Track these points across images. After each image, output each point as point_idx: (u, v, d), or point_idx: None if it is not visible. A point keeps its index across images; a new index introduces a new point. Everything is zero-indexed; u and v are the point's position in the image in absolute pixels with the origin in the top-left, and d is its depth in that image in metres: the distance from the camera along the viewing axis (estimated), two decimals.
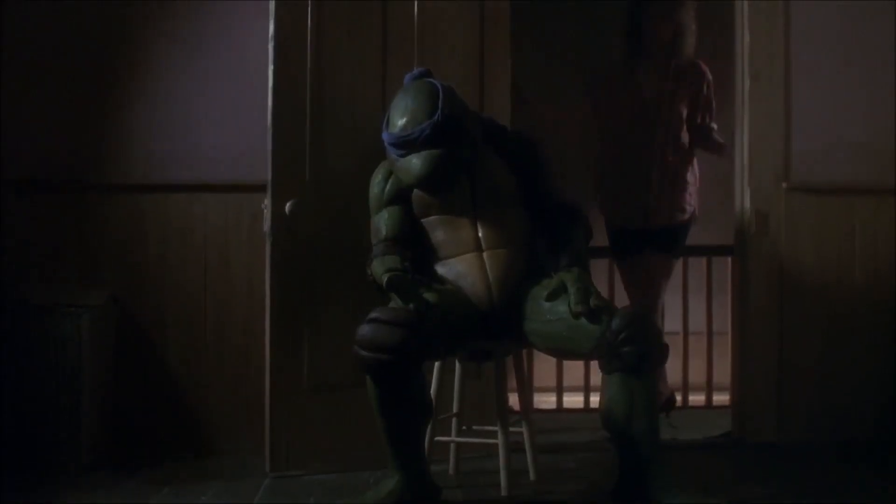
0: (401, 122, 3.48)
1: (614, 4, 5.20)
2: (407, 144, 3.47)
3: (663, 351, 3.32)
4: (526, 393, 3.92)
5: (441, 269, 3.57)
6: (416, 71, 3.68)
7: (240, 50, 4.34)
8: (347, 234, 3.91)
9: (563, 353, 3.54)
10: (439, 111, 3.44)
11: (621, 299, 4.90)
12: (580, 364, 4.92)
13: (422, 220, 3.63)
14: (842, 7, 4.56)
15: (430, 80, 3.58)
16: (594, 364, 3.42)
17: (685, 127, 4.78)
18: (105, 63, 4.37)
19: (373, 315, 3.21)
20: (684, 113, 4.76)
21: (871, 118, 4.53)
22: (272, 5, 3.89)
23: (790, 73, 4.53)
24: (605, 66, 5.08)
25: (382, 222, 3.62)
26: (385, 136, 3.55)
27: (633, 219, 4.77)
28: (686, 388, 5.44)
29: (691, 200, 4.82)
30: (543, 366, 5.26)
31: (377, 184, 3.67)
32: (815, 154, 4.52)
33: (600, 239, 4.41)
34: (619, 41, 4.89)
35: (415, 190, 3.59)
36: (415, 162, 3.46)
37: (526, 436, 3.81)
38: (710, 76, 4.82)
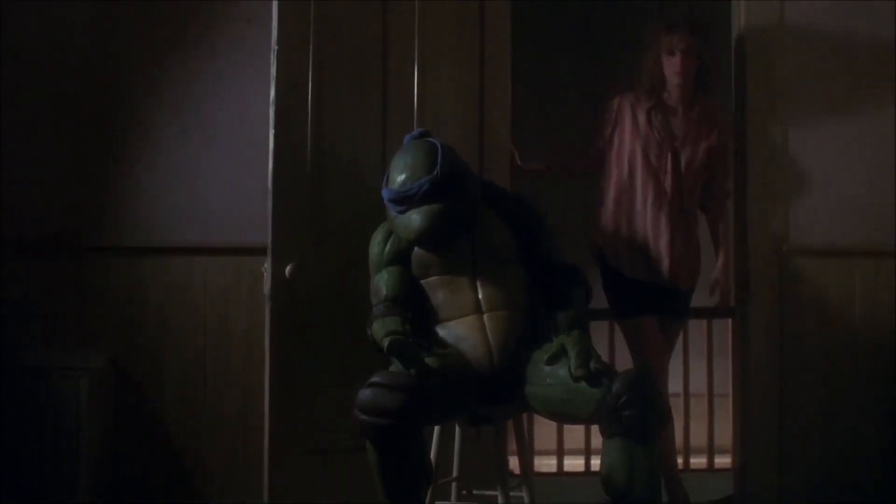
0: (400, 178, 3.50)
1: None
2: (406, 200, 3.48)
3: (665, 415, 3.30)
4: (526, 456, 3.88)
5: (441, 331, 3.56)
6: (415, 132, 3.70)
7: (240, 113, 4.37)
8: (347, 297, 3.91)
9: (563, 417, 3.51)
10: (438, 167, 3.46)
11: (622, 362, 4.88)
12: (581, 426, 4.89)
13: (421, 282, 3.63)
14: (842, 68, 4.60)
15: (430, 139, 3.61)
16: (595, 426, 3.40)
17: (700, 180, 4.52)
18: (105, 125, 4.39)
19: (373, 379, 3.20)
20: (698, 164, 4.48)
21: (871, 181, 4.55)
22: (273, 70, 3.92)
23: (788, 135, 4.56)
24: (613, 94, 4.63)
25: (382, 283, 3.61)
26: (385, 193, 3.57)
27: (651, 273, 4.46)
28: (687, 451, 5.40)
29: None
30: (544, 428, 5.22)
31: (377, 244, 3.67)
32: (814, 216, 4.53)
33: (600, 301, 4.40)
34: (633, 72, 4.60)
35: (415, 250, 3.59)
36: (414, 217, 3.47)
37: (527, 500, 3.77)
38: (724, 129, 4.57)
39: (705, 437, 5.45)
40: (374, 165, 4.01)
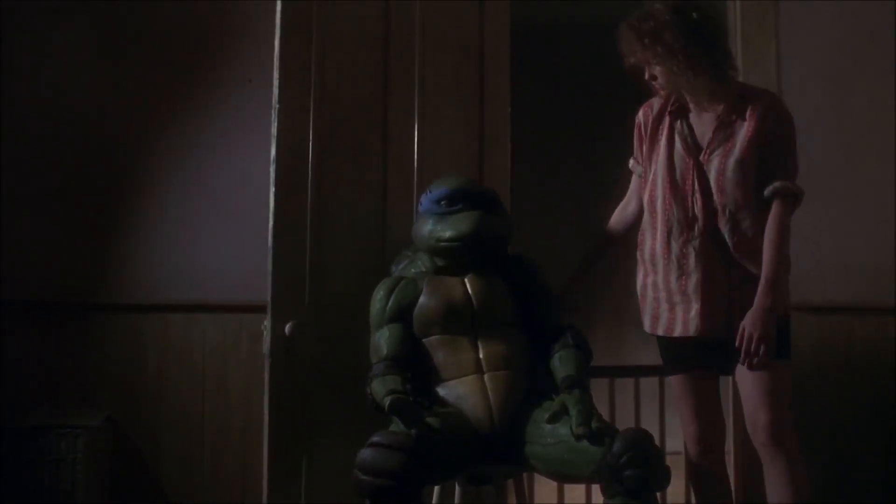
0: (447, 183, 3.69)
1: None
2: (457, 197, 3.63)
3: (665, 474, 3.29)
4: None
5: (442, 390, 3.55)
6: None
7: (241, 171, 4.40)
8: (347, 356, 3.89)
9: (564, 476, 3.49)
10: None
11: (623, 421, 4.86)
12: (582, 485, 4.86)
13: (423, 340, 3.62)
14: (843, 130, 4.63)
15: None
16: (596, 486, 3.39)
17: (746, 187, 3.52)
18: (105, 183, 4.42)
19: (374, 439, 3.18)
20: (736, 167, 3.52)
21: (871, 239, 4.57)
22: (274, 129, 3.94)
23: None
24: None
25: (383, 340, 3.61)
26: (427, 197, 3.71)
27: (673, 326, 3.66)
28: None
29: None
30: (544, 488, 5.17)
31: (379, 300, 3.67)
32: (814, 274, 4.54)
33: (600, 359, 4.39)
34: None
35: (416, 309, 3.60)
36: (461, 219, 3.59)
37: None
38: (781, 112, 3.57)
39: None
40: (374, 224, 4.02)
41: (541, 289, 3.73)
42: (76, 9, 4.46)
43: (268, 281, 3.92)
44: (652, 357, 4.68)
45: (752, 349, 3.45)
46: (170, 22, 4.49)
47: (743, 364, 3.49)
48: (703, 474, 3.74)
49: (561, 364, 3.55)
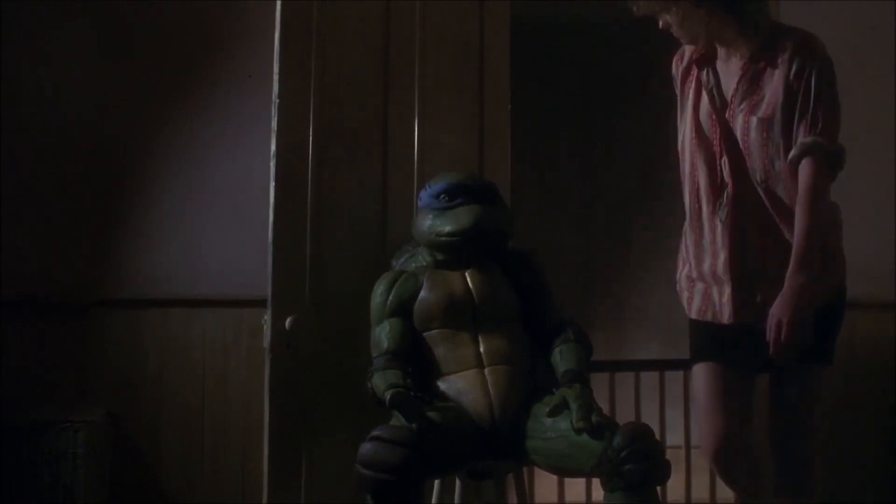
0: (448, 177, 3.69)
1: None
2: (458, 191, 3.62)
3: (666, 469, 3.29)
4: None
5: (442, 385, 3.55)
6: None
7: (242, 166, 4.39)
8: (348, 351, 3.90)
9: (564, 470, 3.50)
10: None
11: (623, 415, 4.86)
12: (581, 480, 4.86)
13: (423, 334, 3.62)
14: (844, 125, 4.63)
15: None
16: (596, 480, 3.39)
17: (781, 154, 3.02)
18: (104, 178, 4.41)
19: (374, 433, 3.19)
20: (765, 130, 3.03)
21: (871, 236, 4.57)
22: (274, 123, 3.94)
23: None
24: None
25: (384, 335, 3.60)
26: (427, 192, 3.70)
27: (705, 308, 3.29)
28: None
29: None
30: (544, 482, 5.18)
31: (379, 294, 3.67)
32: None
33: (600, 353, 4.39)
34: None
35: (417, 303, 3.60)
36: (462, 213, 3.58)
37: None
38: (815, 54, 3.00)
39: (707, 490, 5.40)
40: (374, 219, 4.02)
41: (541, 283, 3.73)
42: (77, 9, 4.46)
43: (268, 275, 3.92)
44: (652, 352, 4.70)
45: (783, 339, 2.94)
46: (169, 19, 4.48)
47: (773, 358, 3.01)
48: (725, 459, 3.37)
49: (561, 358, 3.55)
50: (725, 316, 3.17)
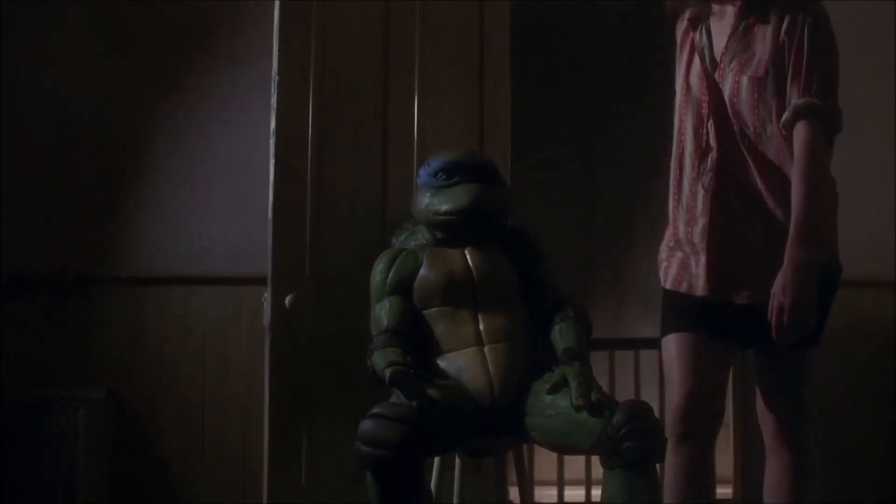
0: (447, 155, 3.68)
1: None
2: (456, 169, 3.61)
3: (664, 446, 3.28)
4: (526, 487, 3.87)
5: (442, 362, 3.55)
6: None
7: (242, 144, 4.39)
8: (347, 329, 3.90)
9: (563, 448, 3.51)
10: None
11: (622, 393, 4.87)
12: (581, 457, 4.87)
13: (423, 312, 3.63)
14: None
15: None
16: (595, 457, 3.39)
17: (773, 118, 2.85)
18: (105, 156, 4.41)
19: (375, 410, 3.19)
20: (757, 91, 2.86)
21: (871, 214, 4.56)
22: (274, 100, 3.93)
23: None
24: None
25: (384, 313, 3.60)
26: (425, 170, 3.68)
27: (683, 280, 3.08)
28: None
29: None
30: (544, 459, 5.20)
31: (379, 272, 3.67)
32: None
33: (600, 331, 4.39)
34: None
35: (417, 281, 3.60)
36: (460, 191, 3.57)
37: None
38: (810, 10, 2.84)
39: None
40: (374, 197, 4.02)
41: (541, 261, 3.73)
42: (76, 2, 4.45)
43: (268, 253, 3.92)
44: (651, 330, 4.67)
45: (786, 322, 2.75)
46: (170, 1, 4.47)
47: (775, 338, 2.80)
48: (683, 460, 3.12)
49: (561, 336, 3.55)
50: (699, 287, 2.97)
